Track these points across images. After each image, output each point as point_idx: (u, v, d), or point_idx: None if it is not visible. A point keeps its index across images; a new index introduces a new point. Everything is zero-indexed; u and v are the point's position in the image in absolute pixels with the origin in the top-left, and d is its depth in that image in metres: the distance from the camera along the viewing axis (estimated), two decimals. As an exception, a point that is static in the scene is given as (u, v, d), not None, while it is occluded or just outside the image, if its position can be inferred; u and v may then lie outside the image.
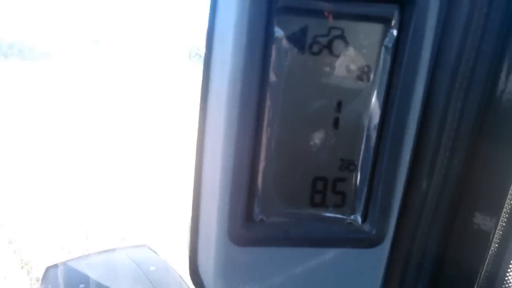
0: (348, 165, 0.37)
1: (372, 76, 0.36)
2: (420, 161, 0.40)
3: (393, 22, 0.35)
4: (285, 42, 0.34)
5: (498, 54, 0.41)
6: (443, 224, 0.42)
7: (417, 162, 0.39)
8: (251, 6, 0.32)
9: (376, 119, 0.36)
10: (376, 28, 0.36)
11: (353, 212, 0.37)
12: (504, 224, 0.44)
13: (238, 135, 0.34)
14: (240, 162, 0.34)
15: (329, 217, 0.36)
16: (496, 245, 0.44)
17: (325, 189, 0.36)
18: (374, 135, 0.37)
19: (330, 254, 0.37)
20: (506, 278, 0.46)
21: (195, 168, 0.39)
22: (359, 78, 0.36)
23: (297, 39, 0.34)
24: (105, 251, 1.70)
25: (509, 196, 0.44)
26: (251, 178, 0.34)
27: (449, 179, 0.41)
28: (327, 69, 0.36)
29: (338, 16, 0.35)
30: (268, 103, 0.34)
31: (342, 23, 0.35)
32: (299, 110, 0.35)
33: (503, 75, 0.42)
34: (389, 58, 0.36)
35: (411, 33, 0.35)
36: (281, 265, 0.36)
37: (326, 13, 0.34)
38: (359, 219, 0.37)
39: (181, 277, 1.49)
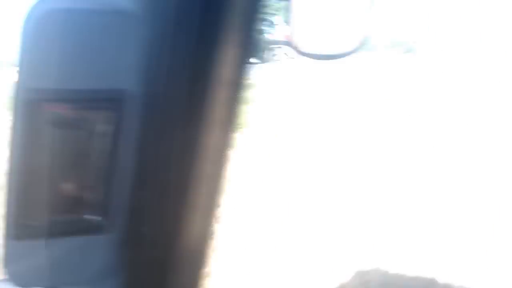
0: (94, 188, 0.65)
1: (104, 141, 0.67)
2: (142, 171, 0.70)
3: (112, 115, 0.66)
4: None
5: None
6: (166, 217, 0.73)
7: (140, 172, 0.69)
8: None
9: (108, 162, 0.67)
10: (103, 116, 0.66)
11: (95, 213, 0.66)
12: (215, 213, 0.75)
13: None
14: (24, 194, 0.61)
15: (80, 219, 0.65)
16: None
17: (80, 203, 0.64)
18: (109, 168, 0.66)
19: (80, 240, 0.65)
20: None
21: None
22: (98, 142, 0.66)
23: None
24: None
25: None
26: (28, 200, 0.61)
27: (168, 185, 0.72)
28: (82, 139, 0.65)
29: (81, 111, 0.64)
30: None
31: (84, 114, 0.65)
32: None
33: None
34: (112, 131, 0.66)
35: (121, 119, 0.66)
36: (51, 252, 0.63)
37: (73, 110, 0.64)
38: (99, 217, 0.65)
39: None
